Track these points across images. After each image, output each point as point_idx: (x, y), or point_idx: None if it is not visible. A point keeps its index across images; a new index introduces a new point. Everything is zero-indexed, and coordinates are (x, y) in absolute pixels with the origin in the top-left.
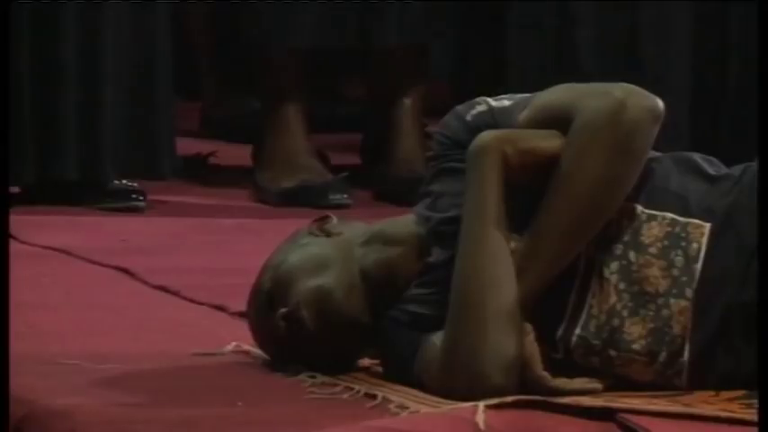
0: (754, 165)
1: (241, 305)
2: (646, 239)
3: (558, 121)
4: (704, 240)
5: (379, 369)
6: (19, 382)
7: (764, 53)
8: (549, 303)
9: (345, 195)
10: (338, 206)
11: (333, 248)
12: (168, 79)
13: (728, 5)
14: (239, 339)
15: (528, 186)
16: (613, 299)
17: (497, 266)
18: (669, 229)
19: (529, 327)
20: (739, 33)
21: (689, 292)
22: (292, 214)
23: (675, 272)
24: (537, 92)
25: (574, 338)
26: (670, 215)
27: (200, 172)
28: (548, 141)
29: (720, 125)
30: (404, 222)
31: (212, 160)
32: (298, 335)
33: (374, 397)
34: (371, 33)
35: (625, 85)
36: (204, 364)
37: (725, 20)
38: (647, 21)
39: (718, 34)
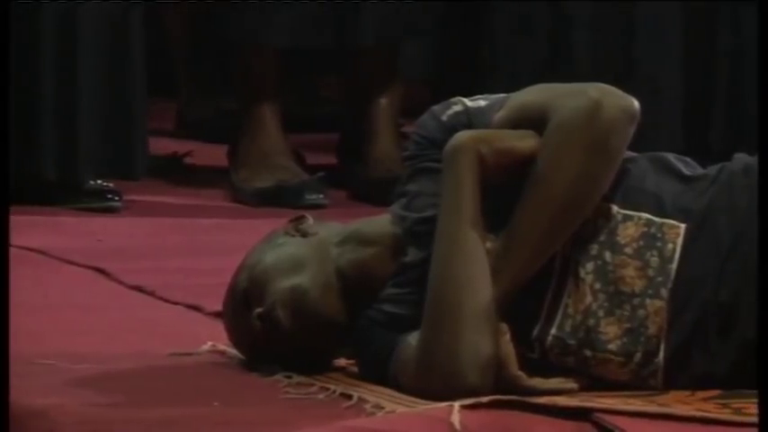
0: (730, 164)
1: (217, 305)
2: (621, 239)
3: (533, 121)
4: (679, 241)
5: (355, 369)
6: None
7: (765, 53)
8: (524, 303)
9: (321, 195)
10: (314, 206)
11: (309, 248)
12: (143, 79)
13: (719, 5)
14: (215, 339)
15: (504, 186)
16: (589, 299)
17: (473, 266)
18: (645, 229)
19: (505, 327)
20: (731, 33)
21: (664, 293)
22: (268, 214)
23: (651, 272)
24: (513, 92)
25: (549, 338)
26: (646, 215)
27: (176, 172)
28: (523, 141)
29: (713, 126)
30: (380, 222)
31: (188, 160)
32: (273, 335)
33: (350, 397)
34: (348, 33)
35: (600, 85)
36: (180, 364)
37: (716, 20)
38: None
39: (710, 34)
